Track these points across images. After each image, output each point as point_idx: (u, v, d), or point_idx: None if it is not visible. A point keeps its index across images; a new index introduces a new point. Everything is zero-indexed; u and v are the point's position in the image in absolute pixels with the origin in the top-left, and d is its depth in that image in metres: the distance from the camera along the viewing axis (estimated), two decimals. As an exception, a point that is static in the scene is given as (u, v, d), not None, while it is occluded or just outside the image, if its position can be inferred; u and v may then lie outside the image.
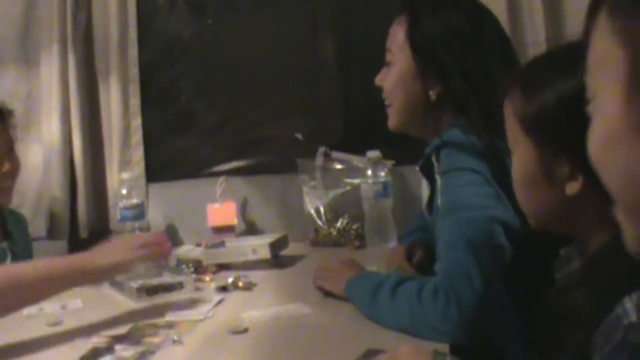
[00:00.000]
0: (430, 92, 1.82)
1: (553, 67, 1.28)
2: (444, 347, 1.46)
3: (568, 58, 1.25)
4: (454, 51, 1.78)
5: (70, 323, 1.85)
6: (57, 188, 2.98)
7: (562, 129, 1.21)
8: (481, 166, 1.63)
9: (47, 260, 1.90)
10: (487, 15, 1.87)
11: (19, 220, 2.63)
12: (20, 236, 2.54)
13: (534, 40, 2.56)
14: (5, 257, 2.39)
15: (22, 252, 2.50)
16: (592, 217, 1.22)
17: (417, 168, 1.87)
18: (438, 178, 1.73)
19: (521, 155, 1.30)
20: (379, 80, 1.94)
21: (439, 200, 1.71)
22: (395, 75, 1.89)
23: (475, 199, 1.59)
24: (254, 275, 2.19)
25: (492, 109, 1.70)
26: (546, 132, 1.24)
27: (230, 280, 2.11)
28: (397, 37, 1.89)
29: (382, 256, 2.15)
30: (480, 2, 1.91)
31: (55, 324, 1.84)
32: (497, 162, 1.63)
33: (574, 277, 1.26)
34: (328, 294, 1.88)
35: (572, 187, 1.21)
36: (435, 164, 1.75)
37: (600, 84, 0.94)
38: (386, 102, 1.93)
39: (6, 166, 2.40)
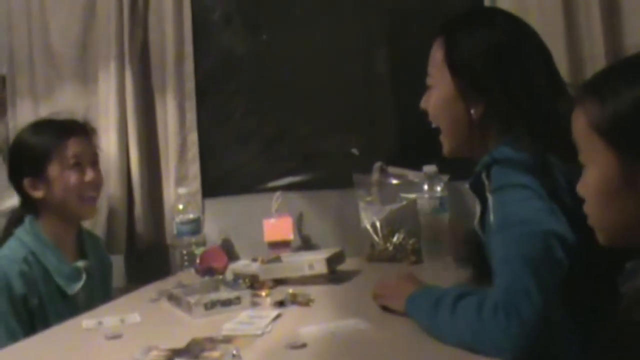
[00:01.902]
0: (472, 111, 1.81)
1: (630, 74, 1.25)
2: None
3: None
4: (492, 68, 1.78)
5: (129, 337, 1.86)
6: (114, 203, 3.01)
7: None
8: (533, 182, 1.61)
9: None
10: (524, 29, 1.87)
11: (96, 242, 2.71)
12: (95, 258, 2.60)
13: (592, 54, 2.53)
14: (80, 277, 2.45)
15: (97, 274, 2.57)
16: None
17: (468, 186, 1.86)
18: (489, 196, 1.71)
19: (599, 166, 1.26)
20: (423, 103, 1.95)
21: (491, 218, 1.69)
22: (437, 97, 1.90)
23: (529, 214, 1.57)
24: (311, 291, 2.17)
25: (538, 123, 1.70)
26: (627, 140, 1.20)
27: (289, 291, 2.11)
28: (436, 59, 1.89)
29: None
30: (517, 17, 1.92)
31: (115, 337, 1.85)
32: (548, 177, 1.61)
33: None
34: (386, 309, 1.87)
35: None
36: (486, 182, 1.73)
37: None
38: (433, 125, 1.94)
39: (89, 175, 2.50)
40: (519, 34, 1.84)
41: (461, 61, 1.83)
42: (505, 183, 1.65)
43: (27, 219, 2.45)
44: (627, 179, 1.21)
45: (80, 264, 2.48)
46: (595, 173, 1.28)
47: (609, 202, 1.27)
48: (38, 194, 2.45)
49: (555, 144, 1.63)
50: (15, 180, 2.49)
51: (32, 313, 2.30)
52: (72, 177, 2.45)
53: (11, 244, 2.40)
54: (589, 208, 1.33)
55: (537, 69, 1.79)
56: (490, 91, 1.77)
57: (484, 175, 1.74)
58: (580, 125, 1.29)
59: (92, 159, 2.55)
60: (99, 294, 2.50)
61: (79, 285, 2.43)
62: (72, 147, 2.47)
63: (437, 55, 1.89)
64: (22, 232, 2.42)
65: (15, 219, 2.51)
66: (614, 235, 1.30)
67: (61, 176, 2.44)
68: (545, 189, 1.59)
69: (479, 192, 1.79)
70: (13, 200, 2.70)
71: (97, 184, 2.55)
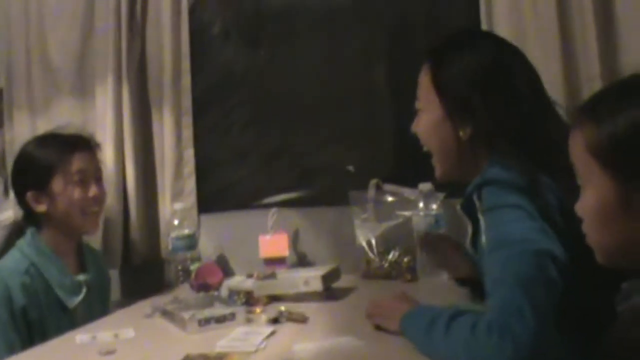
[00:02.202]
0: (461, 133, 1.82)
1: (626, 95, 1.24)
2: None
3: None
4: (478, 90, 1.79)
5: (123, 352, 1.85)
6: (110, 217, 3.01)
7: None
8: (524, 201, 1.61)
9: None
10: (511, 51, 1.89)
11: (96, 256, 2.71)
12: (95, 272, 2.59)
13: (588, 75, 2.54)
14: (80, 291, 2.45)
15: (96, 288, 2.56)
16: None
17: (458, 207, 1.86)
18: (481, 217, 1.71)
19: (596, 188, 1.26)
20: (413, 127, 1.96)
21: (483, 239, 1.68)
22: (426, 121, 1.91)
23: (522, 234, 1.57)
24: (306, 307, 2.17)
25: (526, 143, 1.70)
26: (623, 162, 1.20)
27: (281, 309, 2.10)
28: (424, 83, 1.91)
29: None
30: (503, 39, 1.95)
31: (109, 352, 1.84)
32: (539, 196, 1.61)
33: (637, 313, 1.23)
34: (379, 328, 1.87)
35: None
36: (477, 203, 1.73)
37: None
38: (425, 149, 1.94)
39: (93, 190, 2.50)
40: (505, 56, 1.85)
41: (448, 84, 1.84)
42: (496, 203, 1.65)
43: (29, 231, 2.45)
44: (623, 201, 1.20)
45: (81, 277, 2.48)
46: (592, 195, 1.27)
47: (605, 224, 1.26)
48: (41, 207, 2.45)
49: (545, 164, 1.63)
50: (18, 193, 2.49)
51: (31, 325, 2.29)
52: (76, 193, 2.46)
53: (13, 255, 2.40)
54: (586, 228, 1.32)
55: (524, 90, 1.79)
56: (477, 113, 1.78)
57: (475, 196, 1.74)
58: (577, 147, 1.29)
59: (96, 174, 2.56)
60: (97, 308, 2.49)
61: (78, 298, 2.42)
62: (77, 163, 2.47)
63: (424, 79, 1.91)
64: (23, 244, 2.42)
65: (16, 230, 2.51)
66: (611, 255, 1.29)
67: (65, 191, 2.45)
68: (537, 209, 1.60)
69: (471, 213, 1.80)
70: (9, 213, 2.70)
71: (100, 200, 2.55)
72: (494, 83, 1.79)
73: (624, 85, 1.31)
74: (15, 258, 2.38)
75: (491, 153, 1.77)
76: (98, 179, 2.56)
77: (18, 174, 2.53)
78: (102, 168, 2.63)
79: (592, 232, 1.31)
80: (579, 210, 1.34)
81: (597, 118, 1.25)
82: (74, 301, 2.41)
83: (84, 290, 2.45)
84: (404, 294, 1.95)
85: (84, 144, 2.54)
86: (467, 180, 1.83)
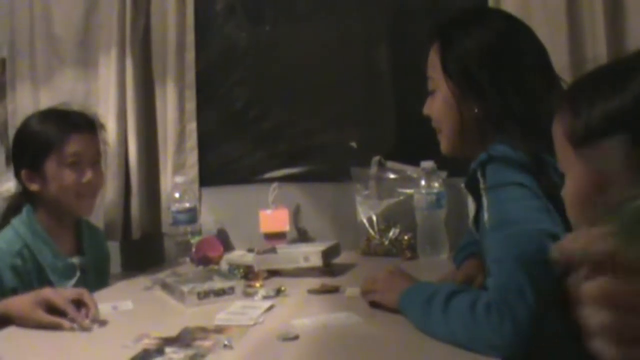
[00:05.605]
0: (470, 113, 1.81)
1: (602, 83, 1.22)
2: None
3: (618, 74, 1.21)
4: (485, 70, 1.77)
5: (120, 324, 1.86)
6: (111, 190, 3.00)
7: None
8: (528, 180, 1.60)
9: None
10: (519, 28, 1.86)
11: (95, 234, 2.63)
12: (93, 252, 2.52)
13: (595, 54, 2.52)
14: (74, 274, 2.38)
15: (93, 268, 2.50)
16: None
17: (462, 184, 1.85)
18: (484, 195, 1.70)
19: (574, 175, 1.25)
20: (426, 110, 1.93)
21: (485, 217, 1.68)
22: (440, 101, 1.88)
23: (524, 213, 1.56)
24: (305, 283, 2.18)
25: (532, 122, 1.69)
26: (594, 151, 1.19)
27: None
28: (434, 63, 1.88)
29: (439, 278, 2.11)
30: (512, 15, 1.92)
31: (106, 324, 1.85)
32: (544, 175, 1.60)
33: None
34: (374, 304, 1.87)
35: None
36: (481, 180, 1.73)
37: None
38: (437, 131, 1.92)
39: (88, 175, 2.40)
40: (512, 35, 1.83)
41: (455, 64, 1.82)
42: (500, 181, 1.65)
43: (25, 210, 2.38)
44: (597, 191, 1.19)
45: (75, 260, 2.41)
46: (570, 182, 1.27)
47: (582, 212, 1.25)
48: (34, 187, 2.37)
49: (550, 144, 1.63)
50: (15, 167, 2.43)
51: None
52: (69, 177, 2.36)
53: (7, 234, 2.33)
54: (568, 214, 1.32)
55: (532, 69, 1.78)
56: (485, 93, 1.77)
57: (479, 173, 1.73)
58: (557, 133, 1.28)
59: (94, 158, 2.45)
60: (93, 289, 2.45)
61: (71, 282, 2.35)
62: (73, 145, 2.37)
63: (434, 58, 1.89)
64: (18, 223, 2.35)
65: (13, 206, 2.44)
66: None
67: (57, 174, 2.35)
68: (541, 187, 1.59)
69: (474, 190, 1.79)
70: (9, 184, 2.67)
71: (94, 186, 2.44)
72: (501, 63, 1.77)
73: (601, 73, 1.28)
74: (9, 238, 2.32)
75: (498, 132, 1.76)
76: (95, 163, 2.45)
77: (16, 148, 2.46)
78: (102, 152, 2.52)
79: (572, 219, 1.30)
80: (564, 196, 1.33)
81: (574, 107, 1.23)
82: (66, 285, 2.32)
83: (78, 274, 2.38)
84: (398, 268, 1.94)
85: (84, 125, 2.44)
86: (472, 157, 1.82)
